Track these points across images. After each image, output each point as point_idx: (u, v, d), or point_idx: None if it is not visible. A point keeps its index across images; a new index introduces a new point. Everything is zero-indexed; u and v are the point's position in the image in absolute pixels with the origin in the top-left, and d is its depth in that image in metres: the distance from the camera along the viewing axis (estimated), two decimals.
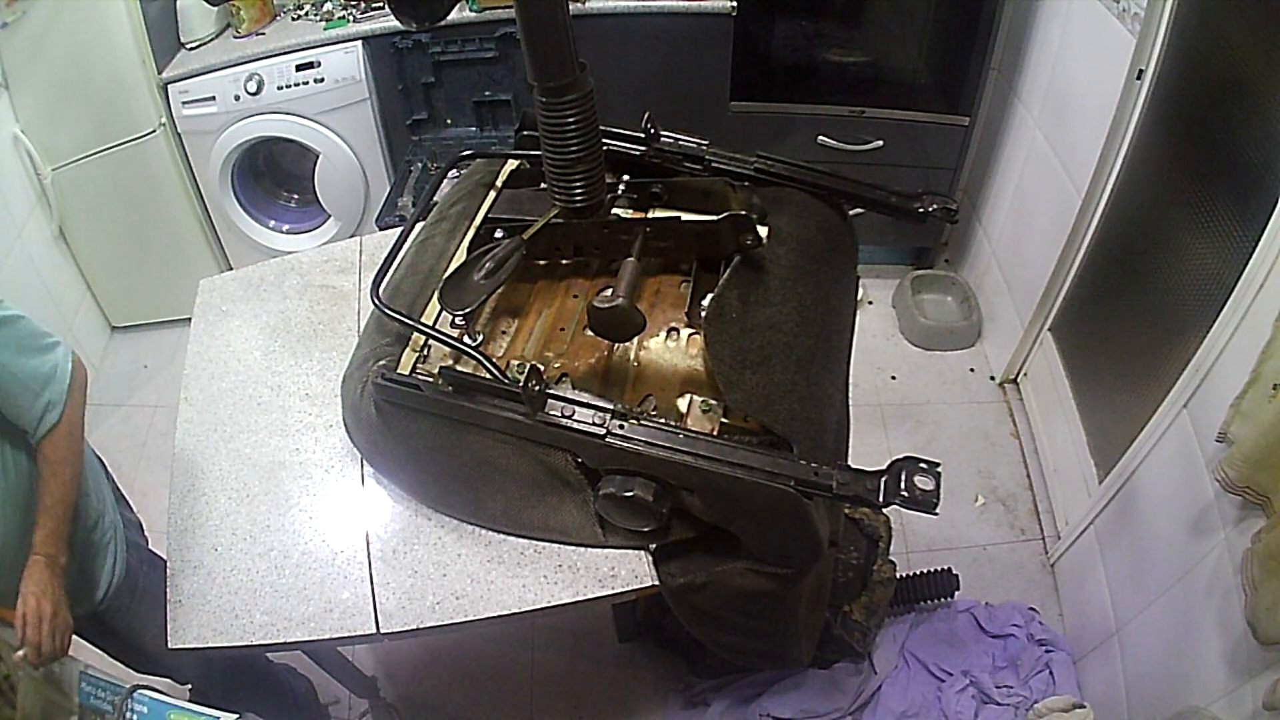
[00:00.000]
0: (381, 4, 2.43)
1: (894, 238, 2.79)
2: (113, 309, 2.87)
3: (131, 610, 1.35)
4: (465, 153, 1.47)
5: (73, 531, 1.23)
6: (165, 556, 1.43)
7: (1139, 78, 1.74)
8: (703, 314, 1.12)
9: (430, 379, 1.08)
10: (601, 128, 1.09)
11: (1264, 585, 1.18)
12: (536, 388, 0.99)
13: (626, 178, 1.28)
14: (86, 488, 1.28)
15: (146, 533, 1.50)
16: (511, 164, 1.41)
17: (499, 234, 1.23)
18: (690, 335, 1.16)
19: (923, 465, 0.95)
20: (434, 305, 1.18)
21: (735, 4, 2.23)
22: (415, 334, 1.16)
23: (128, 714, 1.07)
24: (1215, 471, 1.28)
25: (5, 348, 1.11)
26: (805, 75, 2.49)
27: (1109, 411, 1.95)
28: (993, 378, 2.54)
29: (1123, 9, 1.75)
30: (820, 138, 2.47)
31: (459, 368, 1.08)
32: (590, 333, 1.07)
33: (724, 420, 1.08)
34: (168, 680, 1.46)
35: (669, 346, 1.16)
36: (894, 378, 2.56)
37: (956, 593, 1.92)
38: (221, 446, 1.29)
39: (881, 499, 0.94)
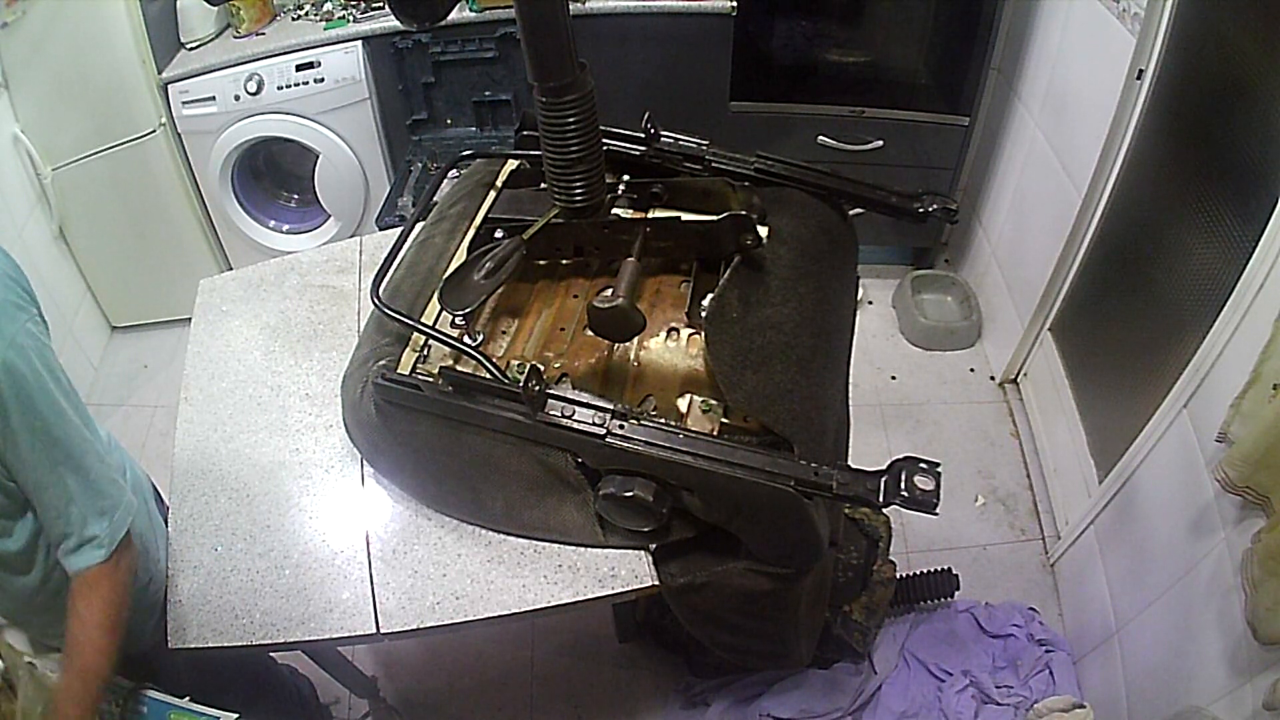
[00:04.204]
0: (381, 4, 2.42)
1: (894, 238, 2.79)
2: (113, 309, 2.87)
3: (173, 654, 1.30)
4: (465, 153, 1.47)
5: None
6: None
7: (1139, 78, 1.74)
8: (703, 314, 1.12)
9: (430, 379, 1.08)
10: (601, 128, 1.09)
11: (1264, 585, 1.18)
12: (536, 388, 0.99)
13: (626, 178, 1.28)
14: (145, 545, 1.20)
15: None
16: (511, 164, 1.41)
17: (499, 234, 1.23)
18: (690, 335, 1.16)
19: (923, 465, 0.95)
20: (434, 305, 1.18)
21: (735, 4, 2.24)
22: (415, 334, 1.16)
23: (128, 715, 1.07)
24: (1215, 471, 1.28)
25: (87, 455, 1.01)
26: (805, 75, 2.49)
27: (1109, 411, 1.95)
28: (993, 378, 2.54)
29: (1123, 9, 1.75)
30: (820, 138, 2.47)
31: (459, 368, 1.08)
32: (590, 333, 1.07)
33: (724, 420, 1.08)
34: None
35: (669, 346, 1.16)
36: (894, 378, 2.56)
37: (956, 593, 1.92)
38: (221, 446, 1.29)
39: (881, 499, 0.94)
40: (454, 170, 1.62)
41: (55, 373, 0.98)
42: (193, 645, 1.10)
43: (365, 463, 1.25)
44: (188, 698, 1.09)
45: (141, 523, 1.22)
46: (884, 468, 0.96)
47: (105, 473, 1.03)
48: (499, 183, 1.38)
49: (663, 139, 1.31)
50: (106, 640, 1.01)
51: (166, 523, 1.25)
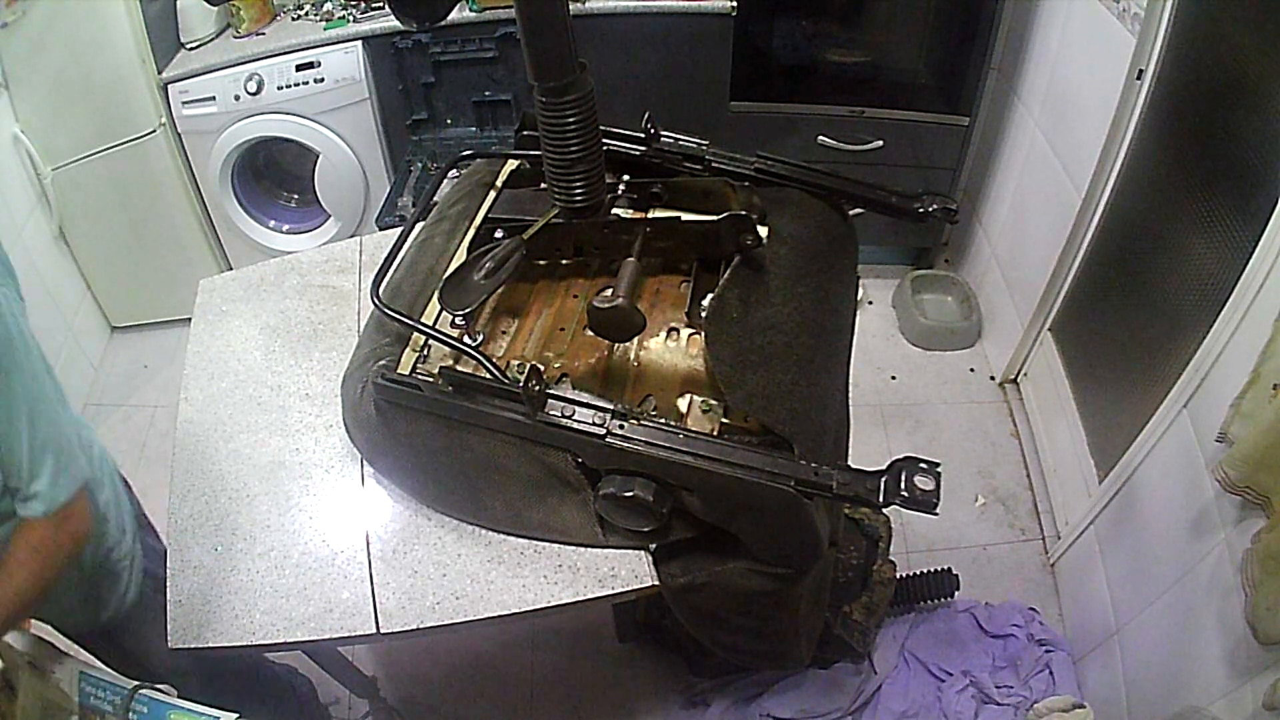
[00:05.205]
0: (381, 4, 2.42)
1: (894, 238, 2.79)
2: (113, 309, 2.87)
3: (140, 634, 1.33)
4: (465, 153, 1.47)
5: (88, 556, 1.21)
6: None
7: (1139, 78, 1.74)
8: (703, 314, 1.12)
9: (430, 379, 1.08)
10: (601, 128, 1.09)
11: (1264, 585, 1.18)
12: (536, 388, 0.99)
13: (626, 178, 1.28)
14: (106, 515, 1.26)
15: None
16: (511, 164, 1.41)
17: (499, 234, 1.23)
18: (690, 335, 1.16)
19: (923, 465, 0.95)
20: (434, 305, 1.18)
21: (735, 4, 2.24)
22: (415, 334, 1.16)
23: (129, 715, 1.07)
24: (1215, 471, 1.28)
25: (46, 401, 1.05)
26: (805, 75, 2.49)
27: (1109, 411, 1.95)
28: (993, 378, 2.54)
29: (1123, 9, 1.75)
30: (820, 138, 2.47)
31: (459, 368, 1.08)
32: (590, 333, 1.07)
33: (724, 420, 1.08)
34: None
35: (669, 346, 1.16)
36: (894, 378, 2.56)
37: (956, 593, 1.92)
38: (221, 446, 1.29)
39: (881, 499, 0.94)
40: (454, 170, 1.62)
41: (28, 341, 1.02)
42: (193, 645, 1.10)
43: (365, 463, 1.25)
44: (168, 684, 1.09)
45: (109, 495, 1.27)
46: (884, 468, 0.96)
47: (61, 436, 1.06)
48: (499, 183, 1.38)
49: (663, 139, 1.31)
50: (20, 581, 1.03)
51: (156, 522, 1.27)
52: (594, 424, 1.00)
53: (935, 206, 1.26)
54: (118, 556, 1.28)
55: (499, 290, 1.17)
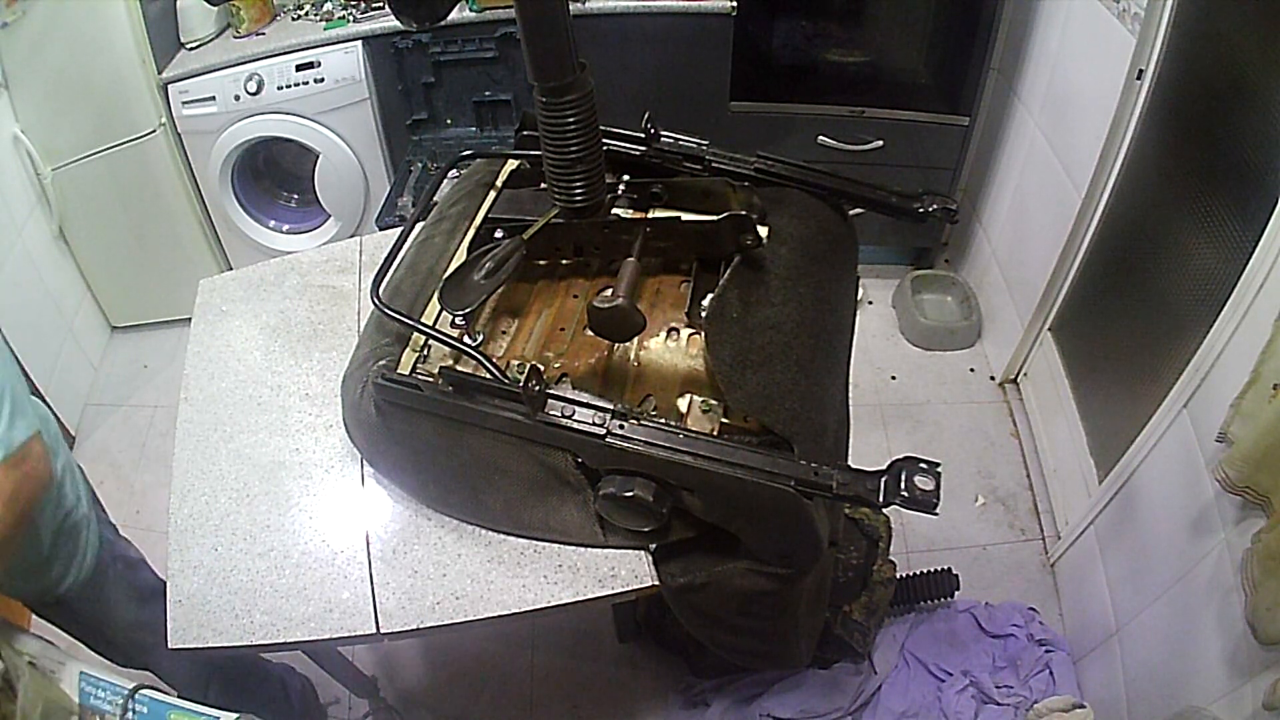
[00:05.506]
0: (381, 4, 2.43)
1: (894, 238, 2.79)
2: (113, 309, 2.87)
3: (98, 601, 1.37)
4: (465, 153, 1.47)
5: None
6: (141, 557, 1.48)
7: (1139, 78, 1.74)
8: (703, 314, 1.12)
9: (430, 379, 1.08)
10: (601, 128, 1.09)
11: (1264, 585, 1.18)
12: (536, 388, 0.99)
13: (626, 178, 1.28)
14: (63, 479, 1.29)
15: (124, 534, 1.51)
16: (511, 164, 1.41)
17: (499, 234, 1.23)
18: (690, 335, 1.16)
19: (923, 465, 0.95)
20: (434, 305, 1.18)
21: (735, 4, 2.24)
22: (415, 334, 1.16)
23: (129, 715, 1.07)
24: (1215, 471, 1.28)
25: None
26: (805, 75, 2.49)
27: (1109, 411, 1.95)
28: (993, 378, 2.54)
29: (1123, 9, 1.75)
30: (820, 138, 2.47)
31: (459, 368, 1.08)
32: (590, 333, 1.07)
33: (724, 420, 1.08)
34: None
35: (669, 346, 1.16)
36: (894, 378, 2.56)
37: (956, 593, 1.92)
38: (221, 446, 1.29)
39: (881, 499, 0.94)
40: (454, 170, 1.63)
41: None
42: (193, 645, 1.10)
43: (365, 463, 1.25)
44: (125, 654, 1.10)
45: (64, 460, 1.31)
46: (884, 468, 0.96)
47: (13, 380, 1.09)
48: (499, 183, 1.38)
49: (663, 139, 1.31)
50: None
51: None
52: (594, 424, 1.00)
53: (935, 206, 1.26)
54: (75, 520, 1.31)
55: (499, 290, 1.17)
